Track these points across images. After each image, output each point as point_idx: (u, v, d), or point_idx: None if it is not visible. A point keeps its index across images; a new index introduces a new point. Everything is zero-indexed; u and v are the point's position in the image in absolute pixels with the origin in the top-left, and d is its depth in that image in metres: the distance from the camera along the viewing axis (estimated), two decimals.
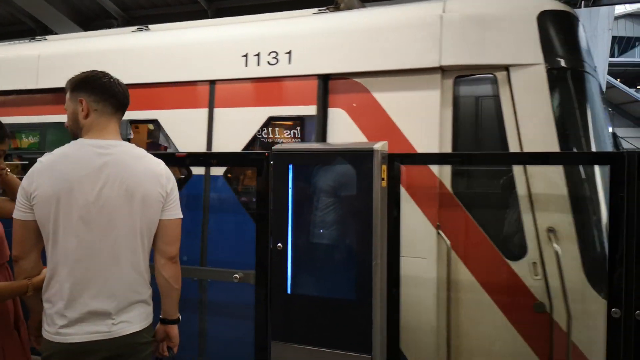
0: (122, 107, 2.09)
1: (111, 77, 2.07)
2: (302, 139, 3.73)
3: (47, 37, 5.41)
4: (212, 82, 4.00)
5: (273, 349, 2.90)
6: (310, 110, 3.67)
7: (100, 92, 1.99)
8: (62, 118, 2.22)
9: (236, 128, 3.92)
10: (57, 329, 1.91)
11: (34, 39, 5.36)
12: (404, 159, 3.04)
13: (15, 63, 4.77)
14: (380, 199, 2.86)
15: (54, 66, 4.52)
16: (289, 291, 2.99)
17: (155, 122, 4.23)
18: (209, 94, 3.99)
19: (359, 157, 2.88)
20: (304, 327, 2.94)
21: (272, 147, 3.04)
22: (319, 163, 3.01)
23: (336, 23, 3.87)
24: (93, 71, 2.06)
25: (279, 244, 2.99)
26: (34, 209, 1.94)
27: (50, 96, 4.51)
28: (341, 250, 3.01)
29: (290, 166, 2.99)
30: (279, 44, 3.81)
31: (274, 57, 3.79)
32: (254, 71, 3.86)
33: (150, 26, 4.76)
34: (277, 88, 3.84)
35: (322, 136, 3.62)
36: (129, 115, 2.47)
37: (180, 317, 2.16)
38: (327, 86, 3.67)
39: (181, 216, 2.08)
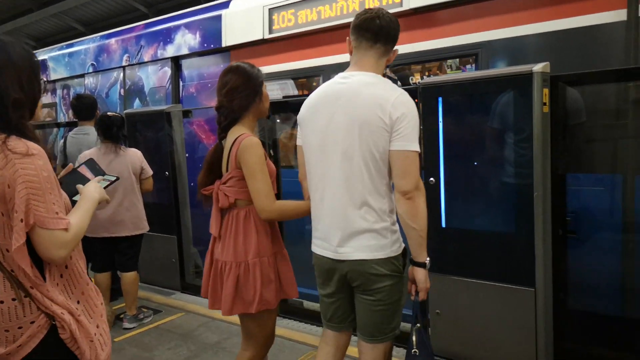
0: (380, 38, 1.97)
1: (373, 12, 1.98)
2: None
3: None
4: None
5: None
6: None
7: (358, 29, 2.01)
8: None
9: None
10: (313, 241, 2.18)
11: None
12: (570, 79, 2.72)
13: None
14: (542, 125, 2.63)
15: None
16: (443, 225, 3.00)
17: None
18: None
19: (514, 82, 2.66)
20: (461, 259, 2.95)
21: (420, 82, 2.97)
22: (470, 93, 2.86)
23: None
24: (360, 12, 2.06)
25: (431, 179, 2.98)
26: (301, 135, 2.19)
27: None
28: (499, 183, 2.89)
29: (440, 99, 2.90)
30: None
31: None
32: None
33: None
34: None
35: None
36: None
37: (427, 261, 1.97)
38: None
39: (413, 149, 1.87)
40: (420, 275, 1.98)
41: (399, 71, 4.08)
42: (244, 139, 2.16)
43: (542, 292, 2.73)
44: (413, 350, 2.04)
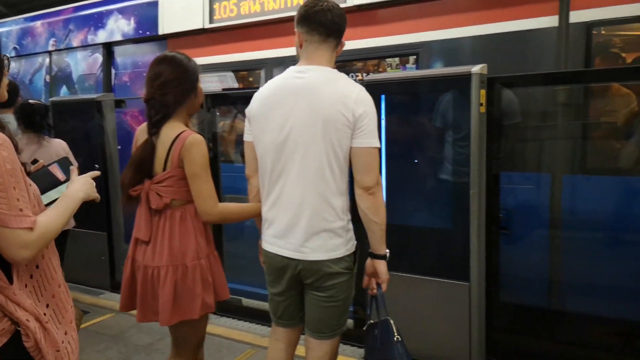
0: (333, 32, 1.94)
1: (324, 5, 1.94)
2: None
3: None
4: None
5: None
6: None
7: (309, 22, 1.94)
8: None
9: None
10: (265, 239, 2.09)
11: None
12: (506, 81, 2.83)
13: None
14: (479, 125, 2.72)
15: None
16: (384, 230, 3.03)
17: None
18: None
19: (454, 83, 2.73)
20: (400, 255, 2.99)
21: (365, 78, 2.98)
22: (411, 91, 2.90)
23: None
24: (307, 2, 1.98)
25: None
26: (252, 130, 2.08)
27: None
28: (437, 180, 2.95)
29: (383, 97, 2.92)
30: None
31: None
32: None
33: None
34: None
35: None
36: None
37: (388, 253, 2.00)
38: None
39: (375, 145, 1.88)
40: (382, 267, 2.00)
41: (340, 67, 4.08)
42: (188, 137, 2.04)
43: (476, 286, 2.83)
44: (396, 337, 1.98)
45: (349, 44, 3.79)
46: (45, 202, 1.51)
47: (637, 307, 2.84)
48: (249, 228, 3.98)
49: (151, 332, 3.58)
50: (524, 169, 3.25)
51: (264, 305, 3.71)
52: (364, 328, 2.14)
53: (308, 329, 2.08)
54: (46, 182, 1.55)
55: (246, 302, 3.91)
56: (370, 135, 1.88)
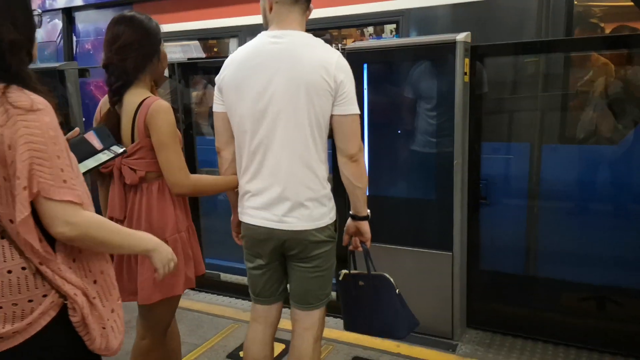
0: None
1: None
2: None
3: None
4: None
5: None
6: None
7: None
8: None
9: None
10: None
11: None
12: (489, 50, 2.79)
13: None
14: (463, 95, 2.69)
15: None
16: (366, 193, 3.00)
17: None
18: None
19: (438, 51, 2.68)
20: (383, 227, 2.98)
21: (345, 46, 2.89)
22: (395, 60, 2.84)
23: None
24: None
25: None
26: (224, 100, 1.97)
27: None
28: (420, 151, 2.93)
29: (365, 65, 2.85)
30: None
31: None
32: None
33: None
34: None
35: None
36: None
37: (369, 214, 2.06)
38: None
39: (356, 112, 1.87)
40: (365, 226, 2.06)
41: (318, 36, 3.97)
42: (153, 103, 1.90)
43: (459, 256, 2.86)
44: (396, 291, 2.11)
45: (326, 12, 3.71)
46: (82, 170, 1.44)
47: (610, 273, 2.93)
48: (223, 202, 3.89)
49: (128, 310, 3.48)
50: (502, 139, 3.26)
51: (242, 279, 3.67)
52: (340, 278, 2.18)
53: (294, 302, 2.06)
54: (83, 150, 1.48)
55: (224, 276, 3.85)
56: (352, 101, 1.85)
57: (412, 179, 3.01)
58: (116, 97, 1.96)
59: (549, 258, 3.13)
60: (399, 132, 2.95)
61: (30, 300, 1.20)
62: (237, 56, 1.93)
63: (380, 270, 2.12)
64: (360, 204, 2.02)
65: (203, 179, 2.12)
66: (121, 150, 1.76)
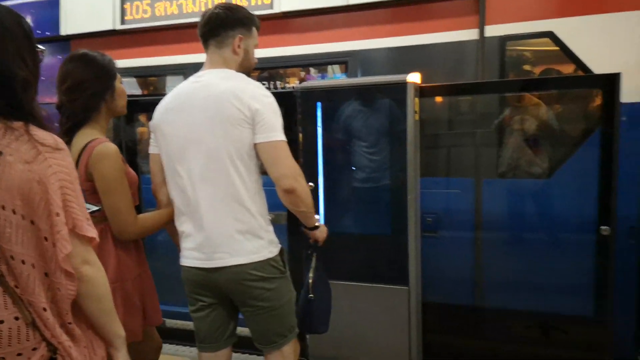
0: (206, 35, 1.95)
1: (205, 16, 1.96)
2: None
3: None
4: None
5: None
6: None
7: (202, 39, 1.99)
8: None
9: None
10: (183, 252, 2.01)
11: None
12: (434, 90, 2.95)
13: None
14: (414, 132, 2.80)
15: None
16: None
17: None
18: None
19: (390, 91, 2.79)
20: (340, 263, 2.98)
21: (299, 85, 2.94)
22: (347, 98, 2.92)
23: None
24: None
25: (311, 184, 2.95)
26: (156, 141, 1.99)
27: None
28: (375, 187, 2.99)
29: (319, 104, 2.90)
30: None
31: None
32: None
33: None
34: None
35: None
36: None
37: (318, 224, 2.10)
38: None
39: (278, 138, 1.82)
40: (319, 233, 2.13)
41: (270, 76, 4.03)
42: (97, 146, 1.84)
43: (415, 290, 2.89)
44: (309, 296, 2.13)
45: (275, 51, 3.77)
46: None
47: (552, 300, 3.09)
48: (163, 243, 3.71)
49: None
50: (448, 174, 3.41)
51: (190, 324, 3.48)
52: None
53: (259, 343, 2.00)
54: None
55: (169, 322, 3.64)
56: (272, 128, 1.84)
57: (368, 214, 3.04)
58: (66, 139, 1.86)
59: (494, 288, 3.25)
60: (353, 168, 3.00)
61: (19, 354, 1.13)
62: (165, 99, 1.98)
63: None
64: (306, 220, 2.05)
65: (148, 218, 2.04)
66: (95, 208, 1.77)
